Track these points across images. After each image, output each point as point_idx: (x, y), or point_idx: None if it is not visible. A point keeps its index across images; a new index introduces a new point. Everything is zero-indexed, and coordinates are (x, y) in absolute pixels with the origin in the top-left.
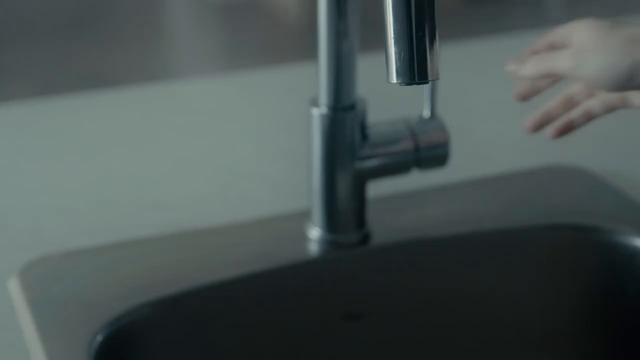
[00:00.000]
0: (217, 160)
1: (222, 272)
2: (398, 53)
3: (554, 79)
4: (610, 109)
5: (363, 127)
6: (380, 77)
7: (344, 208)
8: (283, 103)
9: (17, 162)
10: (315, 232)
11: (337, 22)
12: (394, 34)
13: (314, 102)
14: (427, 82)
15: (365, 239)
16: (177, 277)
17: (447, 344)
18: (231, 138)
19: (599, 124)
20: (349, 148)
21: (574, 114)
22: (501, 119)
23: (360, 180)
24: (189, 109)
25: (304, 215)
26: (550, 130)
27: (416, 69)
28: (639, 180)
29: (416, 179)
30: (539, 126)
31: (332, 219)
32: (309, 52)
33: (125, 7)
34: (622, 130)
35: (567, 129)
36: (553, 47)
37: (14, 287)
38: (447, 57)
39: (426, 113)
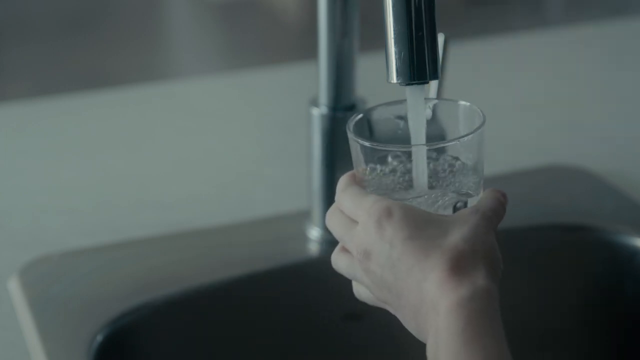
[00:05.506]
0: (217, 160)
1: (222, 272)
2: (398, 53)
3: None
4: None
5: None
6: (380, 77)
7: None
8: (283, 103)
9: (17, 162)
10: (315, 232)
11: (337, 22)
12: (394, 34)
13: (314, 102)
14: (426, 82)
15: None
16: (177, 277)
17: None
18: (231, 138)
19: (599, 123)
20: (349, 148)
21: None
22: (501, 119)
23: None
24: (189, 109)
25: (304, 215)
26: None
27: (416, 69)
28: (639, 180)
29: None
30: None
31: None
32: (309, 52)
33: (125, 7)
34: (622, 130)
35: None
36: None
37: (14, 287)
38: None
39: (428, 113)
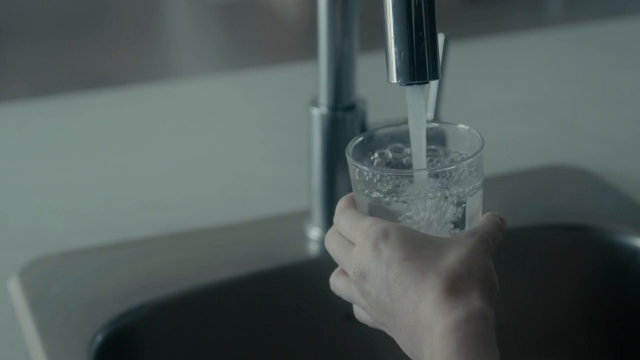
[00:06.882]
0: (217, 160)
1: (222, 272)
2: (398, 53)
3: None
4: None
5: (363, 127)
6: (380, 77)
7: None
8: (283, 103)
9: (17, 162)
10: (315, 232)
11: (337, 22)
12: (394, 34)
13: (314, 102)
14: (426, 82)
15: None
16: (177, 277)
17: None
18: (231, 138)
19: (599, 123)
20: None
21: None
22: (501, 119)
23: None
24: (189, 109)
25: (304, 215)
26: None
27: (416, 69)
28: (639, 180)
29: None
30: None
31: (332, 219)
32: (309, 52)
33: (125, 7)
34: (622, 130)
35: None
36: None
37: (14, 287)
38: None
39: (429, 115)
